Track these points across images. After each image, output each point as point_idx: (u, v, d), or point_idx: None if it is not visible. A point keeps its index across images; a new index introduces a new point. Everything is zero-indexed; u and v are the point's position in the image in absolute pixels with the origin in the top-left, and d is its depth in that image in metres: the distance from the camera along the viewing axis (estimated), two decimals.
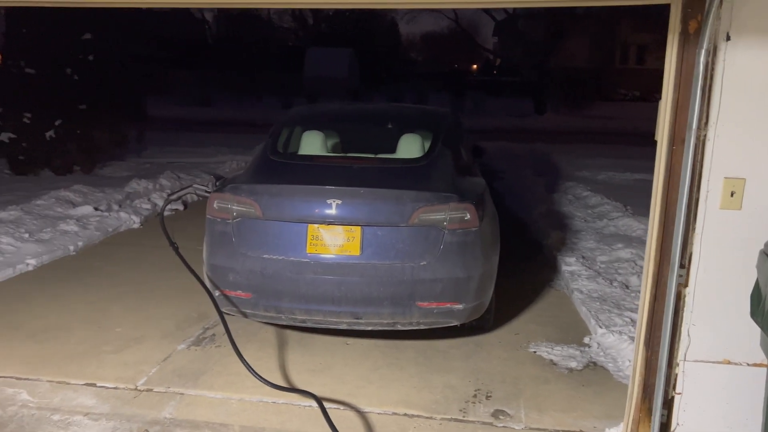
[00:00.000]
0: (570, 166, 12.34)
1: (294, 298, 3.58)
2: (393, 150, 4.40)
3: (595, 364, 3.89)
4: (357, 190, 3.54)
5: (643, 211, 7.52)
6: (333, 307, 3.56)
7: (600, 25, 30.38)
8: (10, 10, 9.62)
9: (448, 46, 73.45)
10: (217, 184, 3.99)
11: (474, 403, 3.40)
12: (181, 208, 8.12)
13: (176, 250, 3.80)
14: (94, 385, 3.51)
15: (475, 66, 72.51)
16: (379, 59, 47.30)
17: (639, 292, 5.03)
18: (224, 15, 47.30)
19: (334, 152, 4.49)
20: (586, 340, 4.23)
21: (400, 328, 3.67)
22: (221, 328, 4.26)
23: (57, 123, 9.67)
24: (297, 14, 52.49)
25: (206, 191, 3.92)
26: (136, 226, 7.11)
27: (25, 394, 3.38)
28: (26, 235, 6.03)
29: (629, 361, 3.84)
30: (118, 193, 8.12)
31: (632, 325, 4.28)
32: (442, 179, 3.82)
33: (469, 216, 3.61)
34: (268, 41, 45.32)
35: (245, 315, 3.79)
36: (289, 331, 4.25)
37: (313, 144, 4.29)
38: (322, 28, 52.92)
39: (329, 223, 3.54)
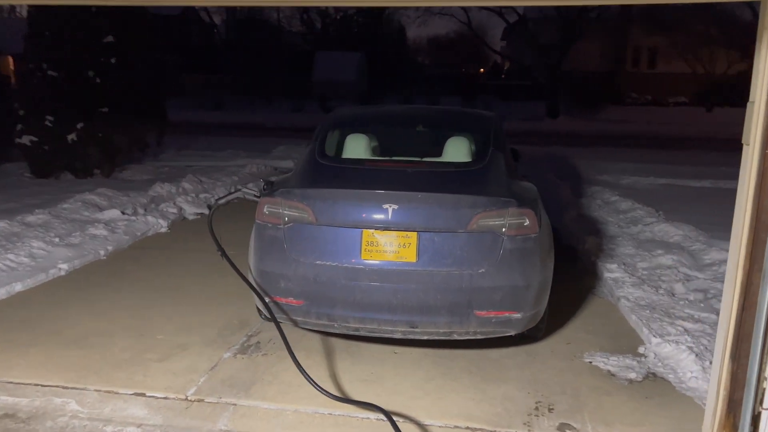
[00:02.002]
0: (590, 169, 12.22)
1: (348, 305, 3.47)
2: (438, 153, 4.31)
3: (654, 375, 3.77)
4: (414, 195, 3.44)
5: (677, 216, 7.42)
6: (388, 315, 3.45)
7: (612, 28, 30.30)
8: (33, 11, 9.59)
9: (455, 49, 73.44)
10: (265, 188, 3.89)
11: (537, 416, 3.28)
12: (206, 211, 8.05)
13: (225, 256, 3.70)
14: (143, 394, 3.41)
15: (482, 69, 72.54)
16: (387, 63, 47.31)
17: (686, 300, 4.92)
18: (233, 19, 47.40)
19: (378, 156, 4.38)
20: (641, 350, 4.10)
21: (456, 337, 3.56)
22: (265, 335, 4.20)
23: (79, 126, 9.61)
24: (305, 18, 52.58)
25: (255, 195, 3.82)
26: (163, 230, 7.02)
27: (74, 404, 3.29)
28: (56, 240, 5.95)
29: (690, 373, 3.73)
30: (142, 197, 8.06)
31: (687, 335, 4.16)
32: (498, 184, 3.72)
33: (528, 222, 3.51)
34: (277, 45, 45.30)
35: (296, 323, 3.69)
36: (334, 339, 4.15)
37: (357, 147, 4.18)
38: (330, 33, 52.99)
39: (385, 229, 3.44)
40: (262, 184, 3.93)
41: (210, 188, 9.23)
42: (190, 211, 7.86)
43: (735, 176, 9.86)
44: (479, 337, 3.58)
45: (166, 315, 4.57)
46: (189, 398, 3.38)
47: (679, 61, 30.90)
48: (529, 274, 3.51)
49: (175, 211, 7.62)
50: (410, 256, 3.42)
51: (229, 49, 43.65)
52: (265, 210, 3.66)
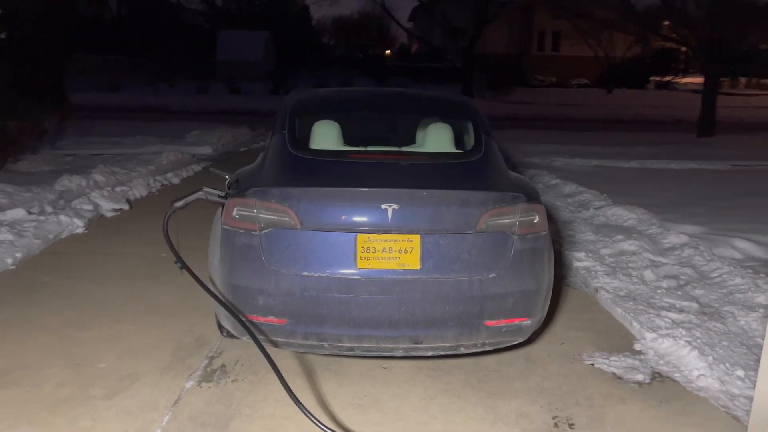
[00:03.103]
0: (516, 152, 12.20)
1: (342, 322, 2.98)
2: (413, 141, 3.87)
3: (660, 375, 3.56)
4: (418, 193, 2.98)
5: (623, 199, 7.40)
6: (389, 331, 3.00)
7: (518, 12, 30.86)
8: None
9: (360, 31, 72.98)
10: (229, 187, 3.30)
11: None
12: (125, 207, 7.19)
13: (187, 268, 3.09)
14: None
15: (388, 51, 72.62)
16: (292, 43, 46.07)
17: (662, 288, 4.79)
18: None
19: (351, 145, 3.86)
20: (638, 346, 3.90)
21: (463, 351, 3.16)
22: (229, 355, 3.64)
23: None
24: None
25: (219, 196, 3.21)
26: (80, 230, 6.15)
27: None
28: None
29: (697, 371, 3.55)
30: (48, 192, 7.05)
31: (679, 327, 4.00)
32: (502, 177, 3.34)
33: (538, 219, 3.16)
34: (174, 23, 42.77)
35: (276, 345, 3.15)
36: (311, 356, 3.64)
37: (327, 136, 3.63)
38: (231, 11, 50.86)
39: (384, 232, 2.97)
40: (227, 182, 3.34)
41: (126, 180, 8.31)
42: (108, 207, 6.98)
43: (657, 156, 10.04)
44: (487, 348, 3.21)
45: (103, 336, 3.87)
46: None
47: (581, 44, 32.08)
48: (539, 277, 3.17)
49: (90, 207, 6.72)
50: (413, 262, 2.98)
51: (124, 27, 40.77)
52: (234, 213, 3.07)
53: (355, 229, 2.97)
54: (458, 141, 3.73)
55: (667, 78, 36.59)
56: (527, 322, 3.18)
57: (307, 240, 2.98)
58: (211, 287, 3.29)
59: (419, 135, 3.95)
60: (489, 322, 3.07)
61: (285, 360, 3.59)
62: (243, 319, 3.07)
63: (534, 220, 3.14)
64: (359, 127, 4.07)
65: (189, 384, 3.32)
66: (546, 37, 36.55)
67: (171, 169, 9.63)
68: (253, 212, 3.02)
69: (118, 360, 3.56)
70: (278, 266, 2.99)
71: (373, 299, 2.95)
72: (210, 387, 3.30)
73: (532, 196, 3.19)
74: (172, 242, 3.11)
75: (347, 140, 3.77)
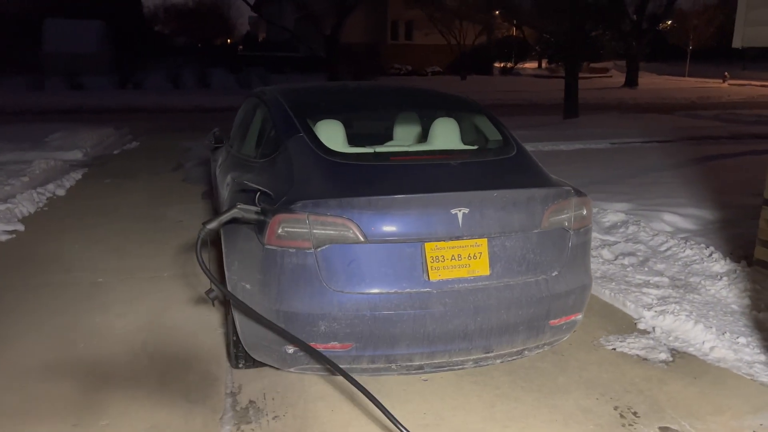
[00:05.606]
0: None
1: (414, 340, 2.74)
2: (422, 138, 3.67)
3: (677, 351, 3.72)
4: (488, 194, 2.81)
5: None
6: (463, 343, 2.81)
7: (372, 1, 31.15)
8: None
9: (196, 19, 69.55)
10: (259, 200, 2.89)
11: (631, 424, 2.97)
12: (20, 227, 6.17)
13: (234, 299, 2.66)
14: None
15: (229, 40, 70.11)
16: (127, 34, 42.77)
17: (627, 265, 5.04)
18: None
19: (355, 145, 3.55)
20: (641, 326, 4.06)
21: (526, 354, 3.08)
22: (251, 388, 3.29)
23: None
24: None
25: (256, 212, 2.78)
26: None
27: None
28: None
29: (707, 343, 3.76)
30: None
31: (669, 302, 4.23)
32: (544, 171, 3.27)
33: (586, 212, 3.14)
34: None
35: (333, 372, 2.83)
36: (340, 378, 3.32)
37: (333, 138, 3.32)
38: None
39: (454, 238, 2.76)
40: (257, 195, 2.92)
41: (4, 195, 7.15)
42: None
43: (540, 138, 10.65)
44: (545, 349, 3.15)
45: (87, 386, 3.25)
46: None
47: (434, 33, 33.18)
48: (589, 269, 3.18)
49: None
50: (482, 268, 2.81)
51: None
52: (281, 231, 2.68)
53: (423, 237, 2.74)
54: (478, 136, 3.60)
55: (510, 64, 39.33)
56: (580, 316, 3.17)
57: (372, 254, 2.69)
58: (238, 315, 2.91)
59: (432, 131, 3.68)
60: (553, 322, 3.00)
61: (307, 386, 3.25)
62: (287, 350, 2.75)
63: (583, 213, 3.11)
64: (362, 125, 3.79)
65: (226, 429, 2.89)
66: (400, 27, 37.42)
67: (49, 179, 8.47)
68: (305, 228, 2.67)
69: (123, 413, 3.01)
70: (340, 286, 2.68)
71: (448, 312, 2.74)
72: (253, 429, 2.89)
73: (577, 190, 3.16)
74: (208, 268, 2.66)
75: (358, 140, 3.47)
